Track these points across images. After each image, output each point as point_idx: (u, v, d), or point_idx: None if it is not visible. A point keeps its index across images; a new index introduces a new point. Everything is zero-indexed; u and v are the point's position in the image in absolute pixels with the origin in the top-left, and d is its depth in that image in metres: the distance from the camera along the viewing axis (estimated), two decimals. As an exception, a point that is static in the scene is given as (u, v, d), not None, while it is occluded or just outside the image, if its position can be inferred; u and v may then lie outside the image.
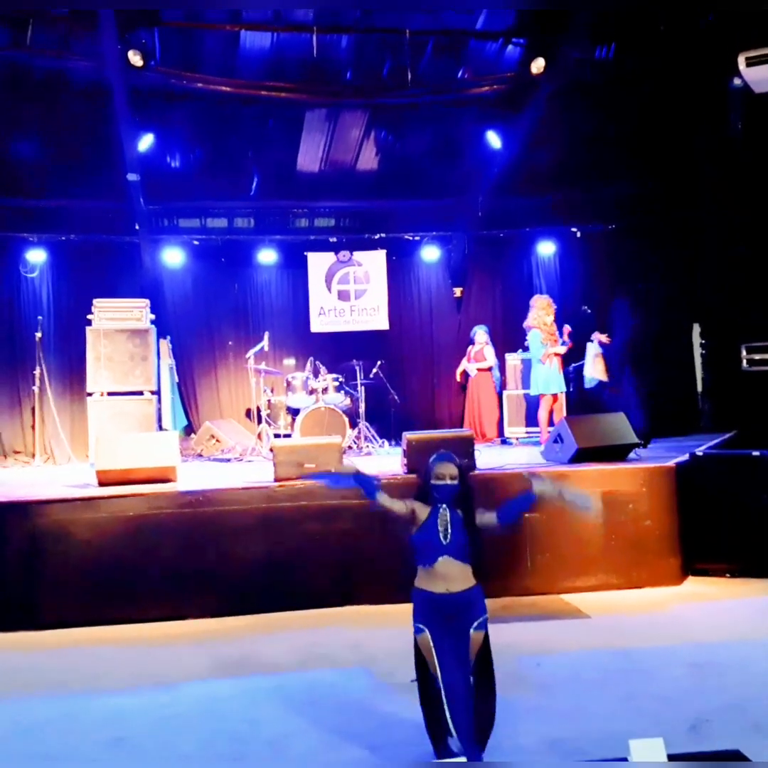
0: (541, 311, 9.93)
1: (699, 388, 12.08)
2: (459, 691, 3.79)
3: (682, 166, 10.97)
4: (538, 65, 8.98)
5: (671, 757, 2.58)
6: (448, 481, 3.95)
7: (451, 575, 3.89)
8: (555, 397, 9.89)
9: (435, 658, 3.86)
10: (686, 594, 7.28)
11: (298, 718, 4.73)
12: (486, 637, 3.95)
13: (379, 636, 6.22)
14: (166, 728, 4.65)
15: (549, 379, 9.83)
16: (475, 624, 3.90)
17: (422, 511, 3.98)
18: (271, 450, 8.52)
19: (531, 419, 10.66)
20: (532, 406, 10.57)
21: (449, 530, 3.89)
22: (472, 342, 11.32)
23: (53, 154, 10.24)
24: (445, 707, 3.77)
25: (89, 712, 4.95)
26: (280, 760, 4.20)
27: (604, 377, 10.57)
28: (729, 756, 2.63)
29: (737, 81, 8.73)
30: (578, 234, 12.10)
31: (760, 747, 4.18)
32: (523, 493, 4.00)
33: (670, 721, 4.54)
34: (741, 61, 8.62)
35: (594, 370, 10.57)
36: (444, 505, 3.94)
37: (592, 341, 10.59)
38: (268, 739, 4.44)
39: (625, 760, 2.63)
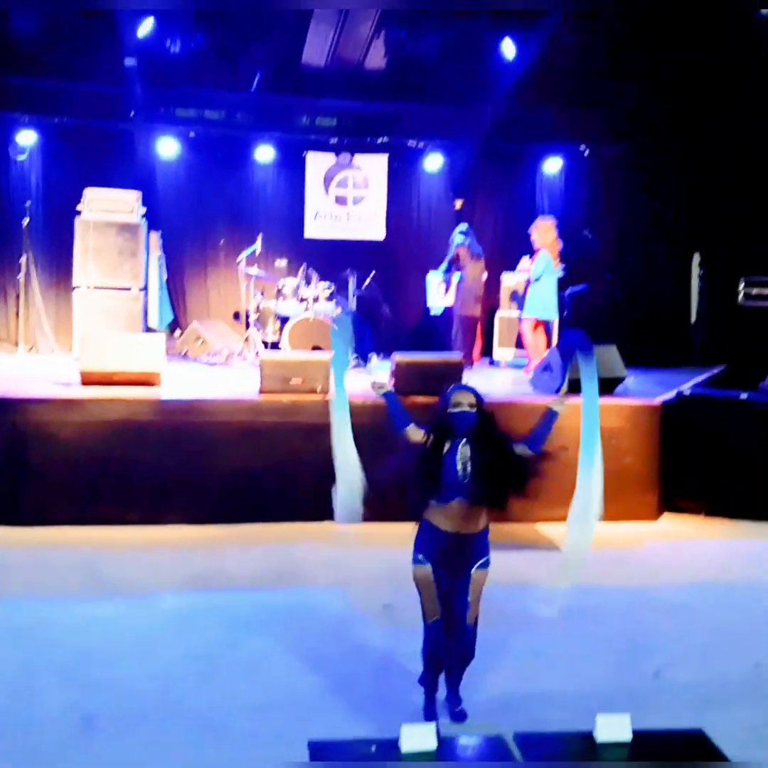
0: (550, 233, 9.67)
1: (692, 318, 12.01)
2: (454, 628, 3.88)
3: (696, 91, 10.61)
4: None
5: (636, 733, 2.62)
6: (466, 408, 3.79)
7: (464, 515, 3.80)
8: (542, 322, 9.77)
9: (434, 592, 3.85)
10: (661, 531, 7.40)
11: (269, 639, 4.80)
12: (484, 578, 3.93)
13: (356, 555, 6.29)
14: (140, 641, 4.73)
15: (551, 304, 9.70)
16: (479, 563, 3.88)
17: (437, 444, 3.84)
18: (257, 355, 8.46)
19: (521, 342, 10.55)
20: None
21: (468, 467, 3.75)
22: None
23: (49, 31, 9.72)
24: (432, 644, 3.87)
25: (64, 619, 5.01)
26: (249, 683, 4.28)
27: (449, 302, 10.46)
28: (691, 736, 2.67)
29: (765, 10, 8.41)
30: (586, 152, 11.77)
31: (720, 696, 4.30)
32: (546, 414, 3.99)
33: (636, 664, 4.65)
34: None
35: (438, 299, 10.62)
36: (464, 440, 3.79)
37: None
38: (240, 660, 4.51)
39: (590, 733, 2.66)
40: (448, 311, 10.59)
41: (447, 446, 3.79)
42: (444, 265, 10.26)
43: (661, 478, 7.67)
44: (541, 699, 4.17)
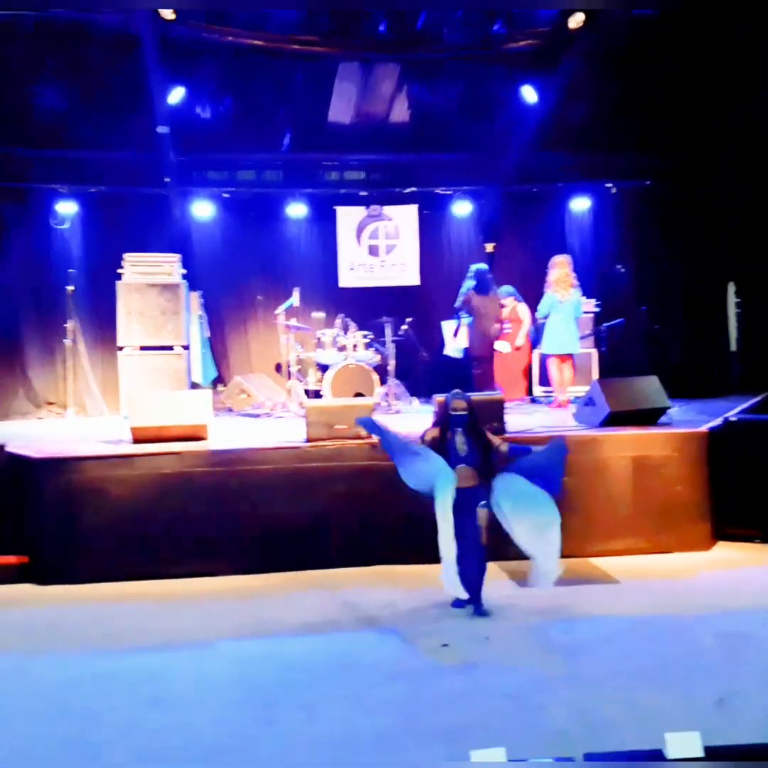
0: (556, 270, 9.85)
1: (733, 348, 11.94)
2: (470, 550, 5.58)
3: (724, 124, 10.70)
4: (576, 20, 8.67)
5: (708, 750, 2.58)
6: (460, 412, 5.71)
7: (465, 476, 5.62)
8: (564, 357, 9.86)
9: (452, 527, 5.49)
10: (715, 560, 7.28)
11: (329, 682, 4.81)
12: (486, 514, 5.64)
13: (409, 597, 6.28)
14: (202, 689, 4.74)
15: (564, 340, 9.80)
16: (480, 504, 5.60)
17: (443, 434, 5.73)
18: (301, 405, 8.55)
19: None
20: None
21: (465, 447, 5.65)
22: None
23: (83, 104, 10.14)
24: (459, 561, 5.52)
25: (127, 670, 5.05)
26: (312, 725, 4.28)
27: (463, 345, 10.45)
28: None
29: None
30: (614, 190, 11.87)
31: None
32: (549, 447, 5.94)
33: (698, 693, 4.56)
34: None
35: (451, 344, 10.72)
36: (459, 430, 5.67)
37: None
38: (300, 703, 4.50)
39: (659, 751, 2.63)
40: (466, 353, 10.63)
41: (449, 435, 5.69)
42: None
43: (713, 506, 7.58)
44: (603, 726, 4.12)
